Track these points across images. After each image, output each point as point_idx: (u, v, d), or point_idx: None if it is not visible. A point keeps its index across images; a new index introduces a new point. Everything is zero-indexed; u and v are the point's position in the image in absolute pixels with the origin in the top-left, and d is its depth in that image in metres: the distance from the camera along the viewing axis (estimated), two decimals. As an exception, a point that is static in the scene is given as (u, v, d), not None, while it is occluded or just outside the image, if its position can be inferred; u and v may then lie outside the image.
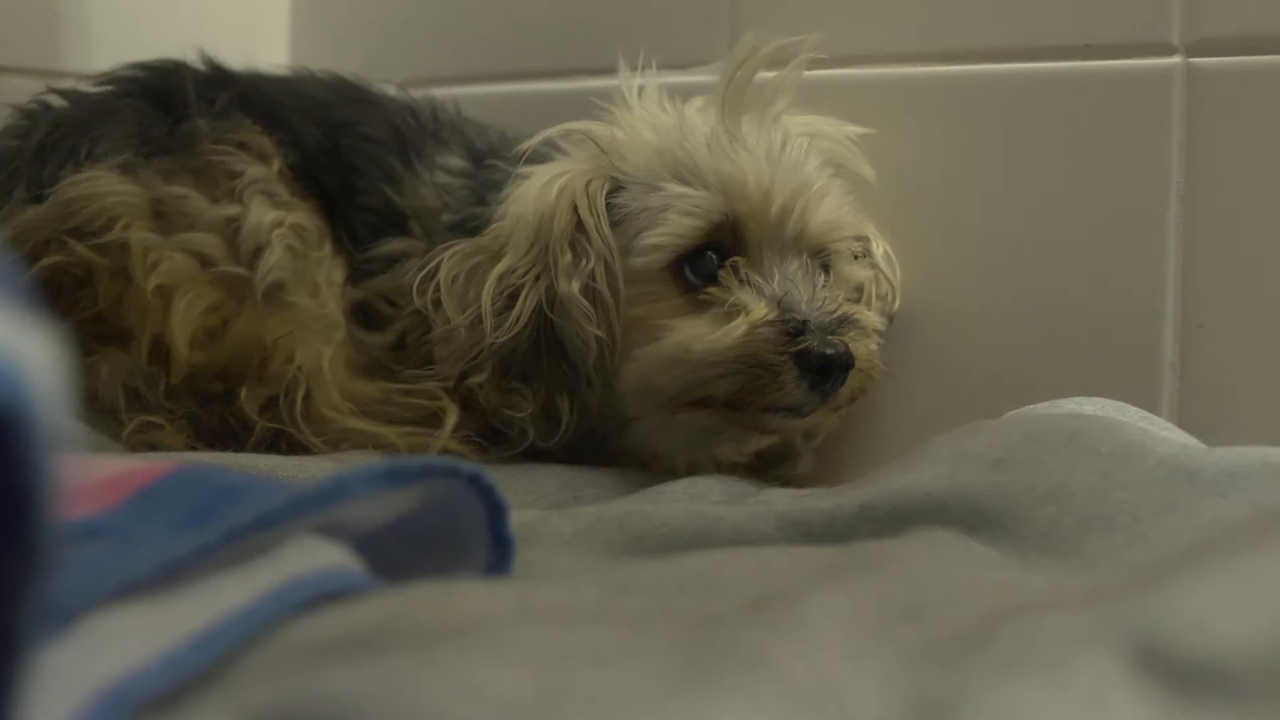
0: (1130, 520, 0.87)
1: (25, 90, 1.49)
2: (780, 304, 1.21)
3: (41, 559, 0.42)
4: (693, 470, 1.28)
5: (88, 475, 0.72)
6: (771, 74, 1.29)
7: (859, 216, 1.34)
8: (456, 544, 0.76)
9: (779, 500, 1.01)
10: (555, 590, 0.69)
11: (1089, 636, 0.56)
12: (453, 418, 1.26)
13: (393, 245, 1.36)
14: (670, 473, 1.27)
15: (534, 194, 1.28)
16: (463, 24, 1.75)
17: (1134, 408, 1.14)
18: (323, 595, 0.64)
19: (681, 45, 1.42)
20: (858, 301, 1.33)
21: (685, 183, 1.25)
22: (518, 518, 0.81)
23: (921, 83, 1.36)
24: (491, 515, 0.75)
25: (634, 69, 1.35)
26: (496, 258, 1.28)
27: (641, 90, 1.34)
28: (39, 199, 1.33)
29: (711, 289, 1.23)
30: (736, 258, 1.24)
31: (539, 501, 1.17)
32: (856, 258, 1.32)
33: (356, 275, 1.37)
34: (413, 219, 1.38)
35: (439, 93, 1.57)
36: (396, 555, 0.74)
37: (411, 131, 1.44)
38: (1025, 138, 1.32)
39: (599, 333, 1.25)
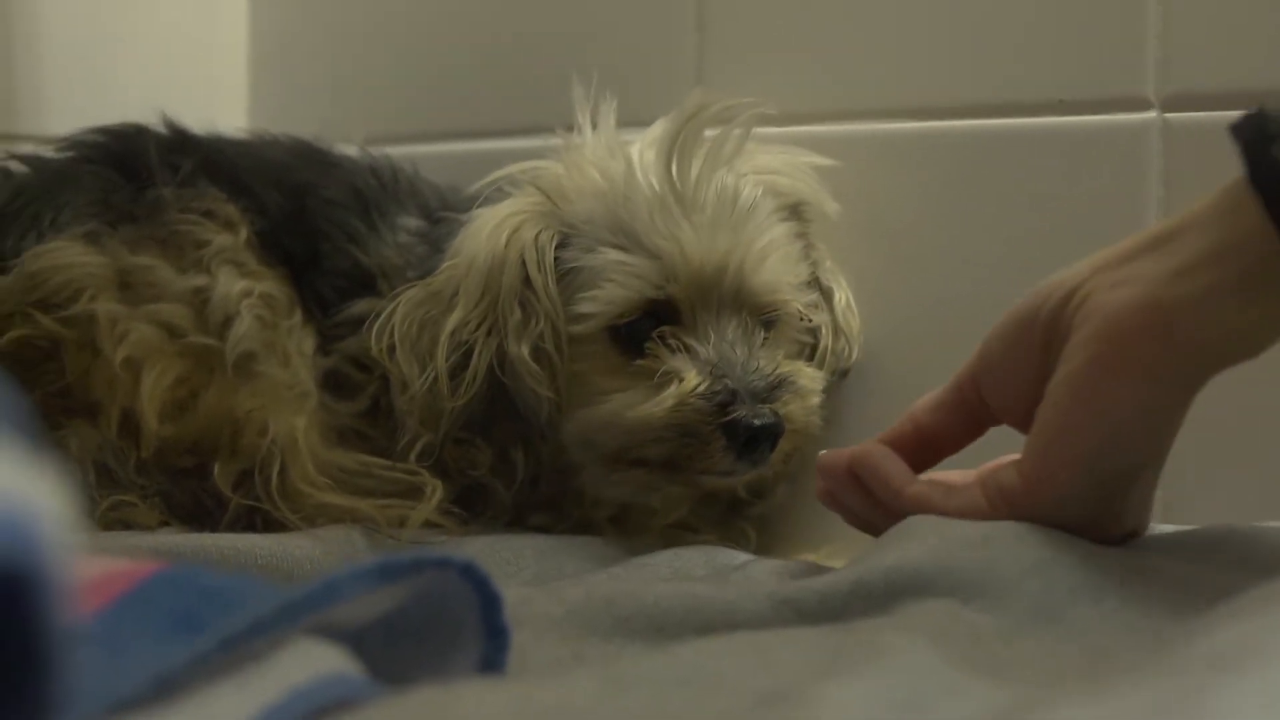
0: (1119, 585, 0.87)
1: (-21, 154, 1.48)
2: (712, 372, 1.21)
3: (52, 715, 0.40)
4: (659, 510, 1.31)
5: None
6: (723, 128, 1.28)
7: (820, 262, 1.34)
8: (449, 634, 0.74)
9: (766, 576, 1.01)
10: (554, 689, 0.67)
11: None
12: (438, 492, 1.25)
13: (361, 306, 1.35)
14: (637, 525, 1.30)
15: (485, 235, 1.28)
16: (422, 82, 1.74)
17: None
18: (324, 705, 0.62)
19: (645, 103, 1.40)
20: (811, 350, 1.34)
21: (623, 248, 1.25)
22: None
23: (893, 139, 1.36)
24: (485, 605, 0.74)
25: (589, 108, 1.34)
26: (449, 307, 1.28)
27: (595, 125, 1.34)
28: (3, 270, 1.31)
29: (648, 354, 1.24)
30: (667, 327, 1.24)
31: (520, 574, 1.17)
32: (802, 318, 1.31)
33: (325, 342, 1.36)
34: (380, 278, 1.37)
35: (399, 151, 1.56)
36: (388, 648, 0.73)
37: (373, 191, 1.44)
38: (999, 194, 1.32)
39: (548, 394, 1.25)
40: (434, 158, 1.58)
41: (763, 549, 1.34)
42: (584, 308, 1.25)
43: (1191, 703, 0.55)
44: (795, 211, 1.34)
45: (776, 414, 1.21)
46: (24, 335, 1.27)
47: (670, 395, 1.21)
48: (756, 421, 1.19)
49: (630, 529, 1.31)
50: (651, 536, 1.28)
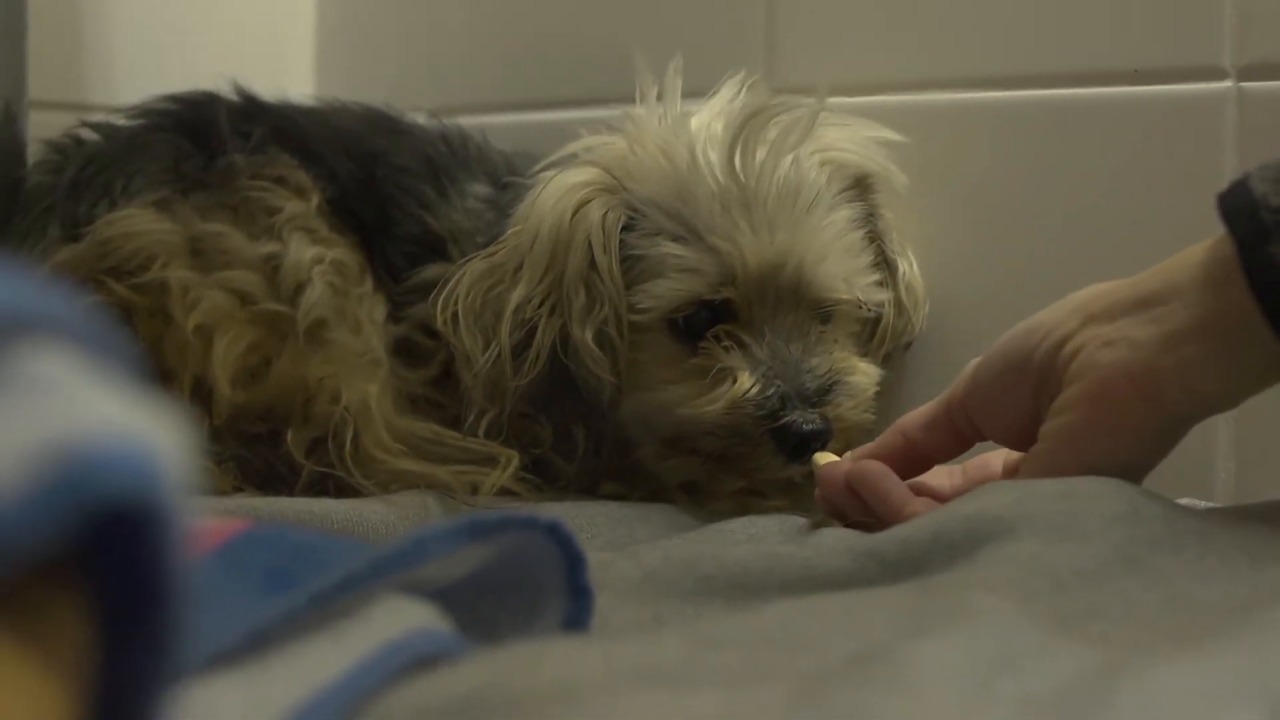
0: (1200, 539, 0.87)
1: (53, 125, 1.49)
2: (765, 374, 1.22)
3: (170, 659, 0.40)
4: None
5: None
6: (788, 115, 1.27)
7: (886, 235, 1.34)
8: (533, 594, 0.75)
9: (842, 534, 1.01)
10: (642, 648, 0.67)
11: (1229, 695, 0.55)
12: (514, 460, 1.25)
13: (431, 271, 1.36)
14: (708, 491, 1.29)
15: (549, 205, 1.28)
16: (490, 52, 1.74)
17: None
18: (417, 659, 0.62)
19: (716, 71, 1.40)
20: (875, 326, 1.34)
21: (683, 240, 1.25)
22: (584, 561, 0.80)
23: (967, 109, 1.35)
24: (570, 565, 0.74)
25: (653, 80, 1.33)
26: (513, 282, 1.28)
27: (660, 97, 1.33)
28: (75, 237, 1.32)
29: (705, 346, 1.25)
30: (723, 325, 1.25)
31: (594, 540, 1.17)
32: (861, 306, 1.31)
33: (396, 309, 1.36)
34: (450, 243, 1.38)
35: (466, 121, 1.56)
36: (476, 606, 0.73)
37: (443, 158, 1.44)
38: (1073, 164, 1.31)
39: (610, 378, 1.26)
40: (501, 128, 1.58)
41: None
42: (642, 299, 1.26)
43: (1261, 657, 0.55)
44: (862, 186, 1.33)
45: (826, 419, 1.22)
46: (96, 302, 1.27)
47: (723, 397, 1.22)
48: (806, 428, 1.20)
49: (701, 495, 1.31)
50: (721, 502, 1.28)
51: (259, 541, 0.70)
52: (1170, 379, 0.92)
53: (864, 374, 1.28)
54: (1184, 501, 1.09)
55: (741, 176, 1.24)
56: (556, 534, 0.73)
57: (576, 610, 0.74)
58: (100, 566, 0.39)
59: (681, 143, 1.28)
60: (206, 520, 0.74)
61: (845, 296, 1.28)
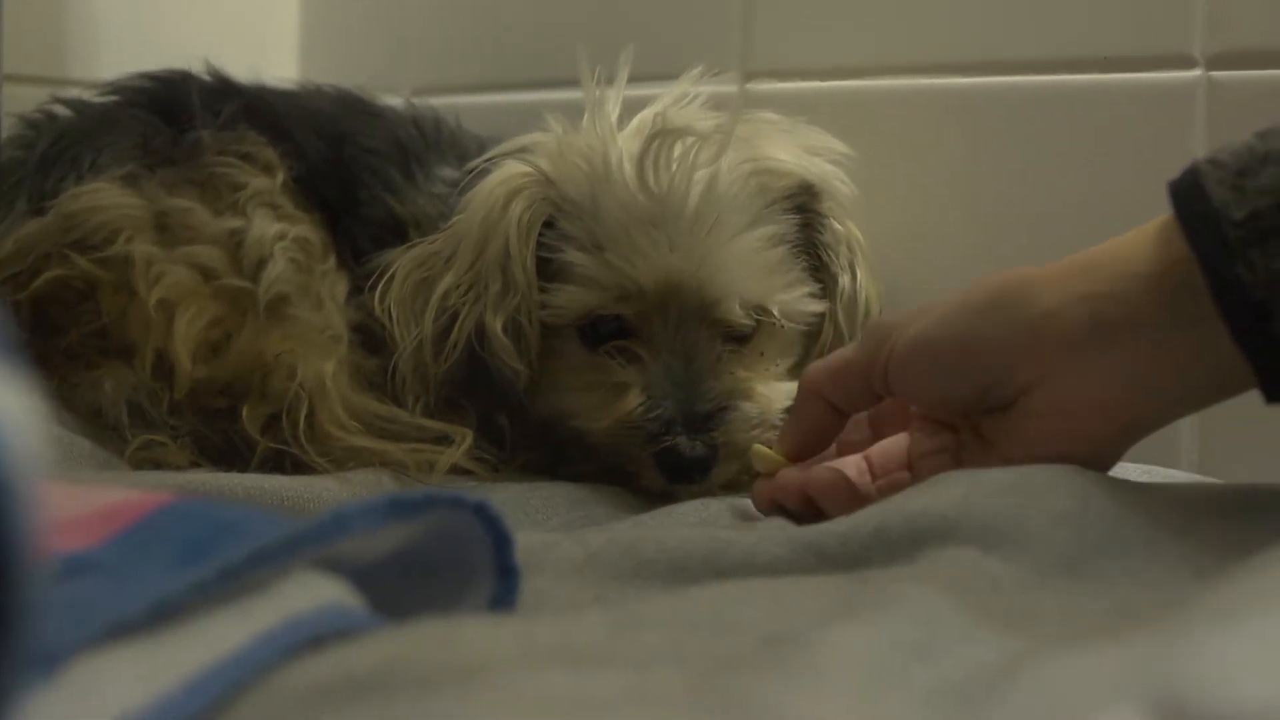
0: (1146, 543, 0.86)
1: (31, 99, 1.49)
2: (654, 395, 1.21)
3: (19, 624, 0.40)
4: None
5: (82, 506, 0.71)
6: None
7: (832, 247, 1.31)
8: (462, 573, 0.74)
9: (786, 523, 1.00)
10: (561, 627, 0.66)
11: (1112, 688, 0.54)
12: (468, 439, 1.24)
13: (391, 256, 1.34)
14: None
15: (484, 196, 1.29)
16: (471, 33, 1.74)
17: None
18: (321, 635, 0.62)
19: (691, 57, 1.39)
20: (816, 335, 1.32)
21: (588, 251, 1.24)
22: (527, 541, 0.79)
23: (938, 94, 1.35)
24: (497, 545, 0.73)
25: (600, 78, 1.32)
26: (445, 269, 1.28)
27: (598, 106, 1.31)
28: (41, 211, 1.32)
29: (606, 358, 1.24)
30: (620, 340, 1.24)
31: (550, 520, 1.16)
32: (772, 323, 1.28)
33: (358, 292, 1.35)
34: (413, 227, 1.37)
35: (447, 101, 1.56)
36: (399, 586, 0.72)
37: (414, 143, 1.44)
38: (1043, 151, 1.31)
39: (520, 367, 1.25)
40: (482, 108, 1.58)
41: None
42: (553, 299, 1.25)
43: (1182, 651, 0.55)
44: (800, 197, 1.30)
45: (712, 444, 1.20)
46: (61, 275, 1.27)
47: (608, 415, 1.22)
48: (688, 454, 1.19)
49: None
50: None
51: (180, 515, 0.69)
52: (1146, 418, 0.94)
53: (762, 398, 1.25)
54: (1148, 473, 1.09)
55: (653, 191, 1.22)
56: (483, 514, 0.72)
57: (503, 590, 0.74)
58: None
59: (602, 150, 1.26)
60: (130, 493, 0.74)
61: (746, 321, 1.26)
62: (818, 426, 1.07)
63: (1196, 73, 1.24)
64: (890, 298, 1.36)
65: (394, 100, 1.56)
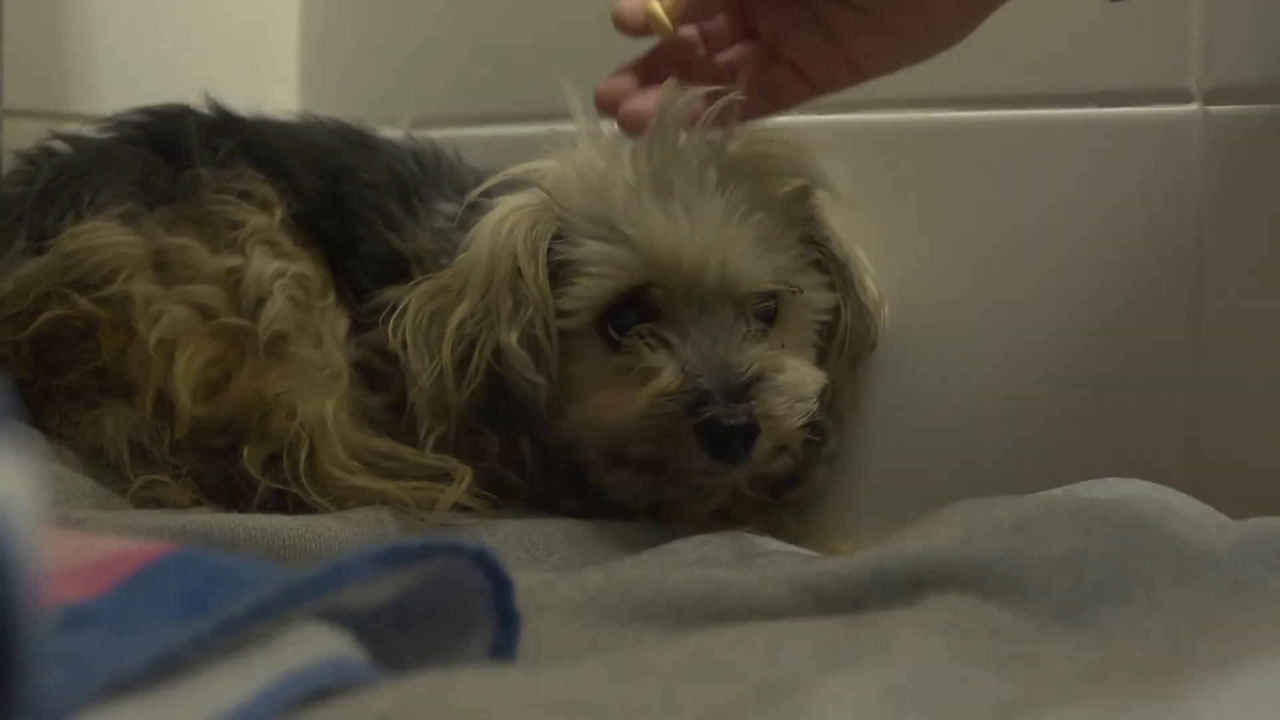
0: (1147, 589, 0.86)
1: (31, 133, 1.49)
2: (685, 371, 1.19)
3: (20, 700, 0.40)
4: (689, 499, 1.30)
5: (81, 555, 0.71)
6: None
7: (832, 240, 1.32)
8: (462, 620, 0.74)
9: (790, 562, 1.00)
10: (558, 677, 0.67)
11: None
12: (468, 476, 1.24)
13: (391, 294, 1.33)
14: (673, 513, 1.30)
15: (489, 229, 1.28)
16: (471, 65, 1.74)
17: (1175, 492, 1.11)
18: (322, 687, 0.62)
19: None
20: (833, 329, 1.32)
21: (601, 239, 1.24)
22: (526, 581, 0.79)
23: (935, 127, 1.35)
24: (497, 591, 0.74)
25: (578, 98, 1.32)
26: (457, 300, 1.27)
27: (592, 131, 1.31)
28: (40, 250, 1.32)
29: (628, 345, 1.23)
30: (644, 325, 1.23)
31: (550, 558, 1.16)
32: (793, 292, 1.28)
33: (358, 330, 1.35)
34: (414, 264, 1.36)
35: (448, 134, 1.56)
36: (400, 632, 0.73)
37: (414, 177, 1.43)
38: (1040, 185, 1.31)
39: (540, 380, 1.25)
40: (482, 141, 1.58)
41: (801, 537, 1.33)
42: (568, 303, 1.24)
43: (1180, 701, 0.55)
44: (799, 193, 1.31)
45: (751, 414, 1.18)
46: (61, 315, 1.28)
47: (643, 396, 1.20)
48: (728, 422, 1.17)
49: (666, 516, 1.31)
50: (686, 524, 1.27)
51: (177, 565, 0.69)
52: None
53: (795, 372, 1.25)
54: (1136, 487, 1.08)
55: (661, 173, 1.22)
56: (483, 560, 0.73)
57: (503, 637, 0.74)
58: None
59: (604, 156, 1.27)
60: (128, 543, 0.74)
61: (776, 288, 1.26)
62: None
63: (1193, 107, 1.24)
64: (884, 336, 1.37)
65: (393, 132, 1.56)
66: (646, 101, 1.14)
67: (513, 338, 1.23)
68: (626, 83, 1.16)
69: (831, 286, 1.31)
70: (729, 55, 1.17)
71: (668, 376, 1.19)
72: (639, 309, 1.23)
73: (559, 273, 1.25)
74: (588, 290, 1.24)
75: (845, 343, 1.33)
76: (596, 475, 1.28)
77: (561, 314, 1.25)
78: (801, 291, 1.28)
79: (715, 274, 1.21)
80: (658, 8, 1.13)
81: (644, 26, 1.14)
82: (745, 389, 1.19)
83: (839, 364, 1.33)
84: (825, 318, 1.31)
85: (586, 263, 1.24)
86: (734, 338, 1.21)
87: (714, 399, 1.18)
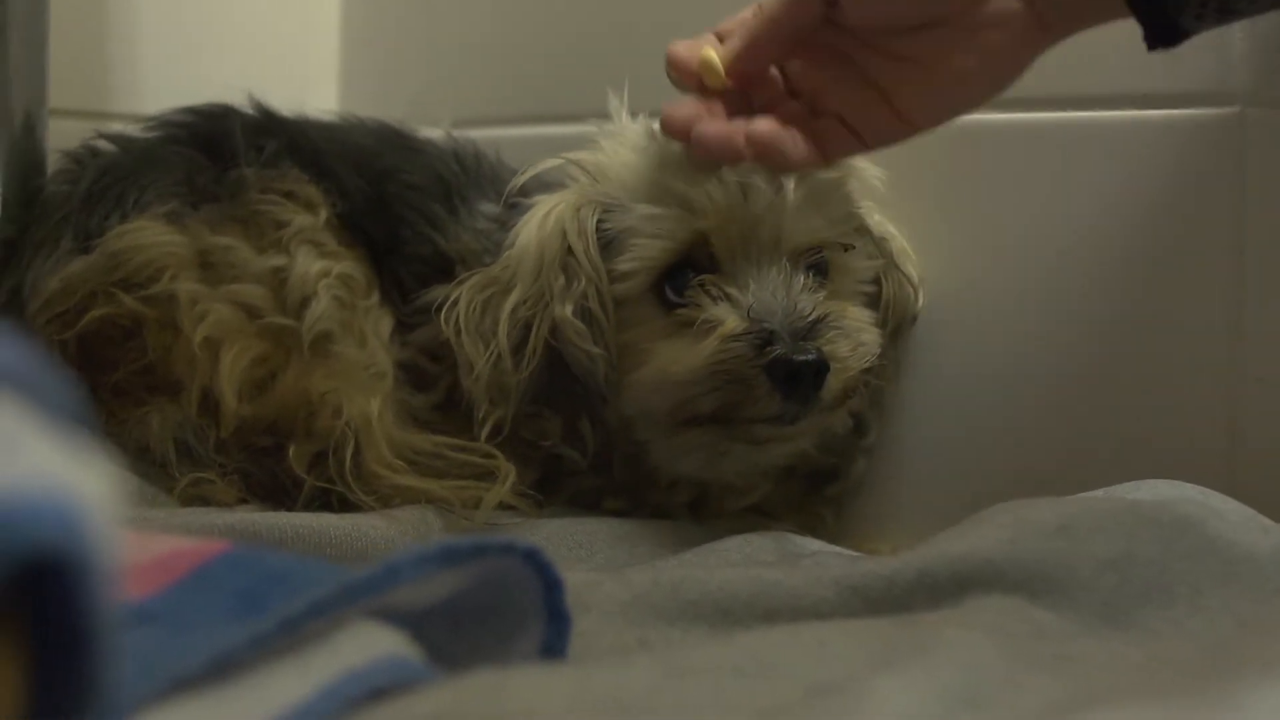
0: (1191, 592, 0.86)
1: (75, 133, 1.50)
2: (750, 315, 1.19)
3: (98, 696, 0.41)
4: (735, 491, 1.31)
5: (139, 553, 0.72)
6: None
7: (870, 215, 1.33)
8: (512, 618, 0.75)
9: (835, 562, 1.00)
10: (610, 676, 0.67)
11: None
12: (511, 475, 1.25)
13: (436, 293, 1.33)
14: (713, 510, 1.30)
15: (535, 223, 1.28)
16: (512, 66, 1.75)
17: (1217, 494, 1.11)
18: (378, 686, 0.63)
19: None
20: (876, 300, 1.32)
21: (656, 201, 1.23)
22: (572, 580, 0.80)
23: (979, 129, 1.35)
24: (548, 590, 0.74)
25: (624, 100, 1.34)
26: (508, 289, 1.28)
27: (635, 117, 1.32)
28: (86, 249, 1.33)
29: (689, 306, 1.22)
30: (706, 275, 1.22)
31: (593, 557, 1.17)
32: (846, 249, 1.28)
33: (403, 329, 1.36)
34: (459, 264, 1.36)
35: (487, 134, 1.57)
36: (451, 632, 0.73)
37: (456, 178, 1.44)
38: (1082, 186, 1.31)
39: (598, 350, 1.24)
40: (523, 141, 1.58)
41: (840, 534, 1.34)
42: (624, 266, 1.24)
43: (1229, 702, 0.55)
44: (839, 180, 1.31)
45: (819, 350, 1.18)
46: (107, 314, 1.28)
47: (710, 342, 1.19)
48: (798, 357, 1.17)
49: (706, 514, 1.31)
50: (727, 521, 1.27)
51: (233, 564, 0.70)
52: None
53: (856, 316, 1.26)
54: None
55: None
56: (534, 560, 0.73)
57: (554, 635, 0.75)
58: (30, 612, 0.40)
59: (651, 142, 1.27)
60: (184, 542, 0.75)
61: (831, 239, 1.26)
62: (764, 45, 1.12)
63: (1234, 109, 1.24)
64: (925, 331, 1.37)
65: (434, 132, 1.57)
66: (720, 126, 1.13)
67: (568, 310, 1.23)
68: (694, 108, 1.15)
69: (871, 257, 1.31)
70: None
71: (734, 320, 1.19)
72: (696, 268, 1.23)
73: (609, 247, 1.25)
74: (646, 250, 1.23)
75: (889, 311, 1.33)
76: (659, 449, 1.28)
77: (616, 280, 1.25)
78: (853, 247, 1.29)
79: (770, 226, 1.22)
80: (713, 55, 1.13)
81: (697, 74, 1.13)
82: (811, 329, 1.19)
83: (882, 335, 1.33)
84: (870, 288, 1.31)
85: (639, 228, 1.24)
86: (792, 288, 1.21)
87: (782, 338, 1.18)
